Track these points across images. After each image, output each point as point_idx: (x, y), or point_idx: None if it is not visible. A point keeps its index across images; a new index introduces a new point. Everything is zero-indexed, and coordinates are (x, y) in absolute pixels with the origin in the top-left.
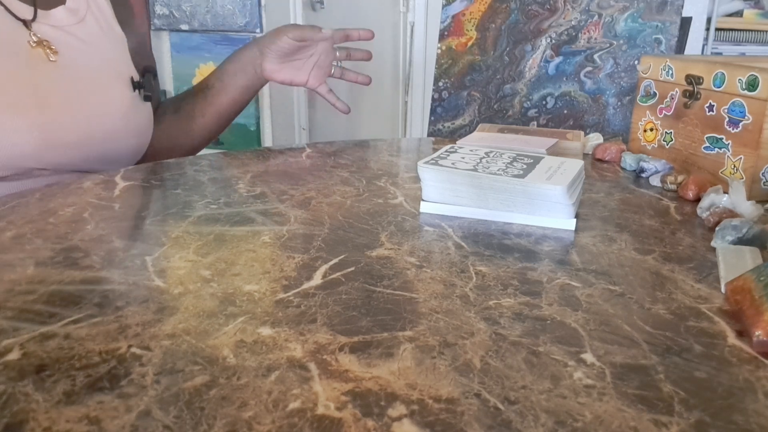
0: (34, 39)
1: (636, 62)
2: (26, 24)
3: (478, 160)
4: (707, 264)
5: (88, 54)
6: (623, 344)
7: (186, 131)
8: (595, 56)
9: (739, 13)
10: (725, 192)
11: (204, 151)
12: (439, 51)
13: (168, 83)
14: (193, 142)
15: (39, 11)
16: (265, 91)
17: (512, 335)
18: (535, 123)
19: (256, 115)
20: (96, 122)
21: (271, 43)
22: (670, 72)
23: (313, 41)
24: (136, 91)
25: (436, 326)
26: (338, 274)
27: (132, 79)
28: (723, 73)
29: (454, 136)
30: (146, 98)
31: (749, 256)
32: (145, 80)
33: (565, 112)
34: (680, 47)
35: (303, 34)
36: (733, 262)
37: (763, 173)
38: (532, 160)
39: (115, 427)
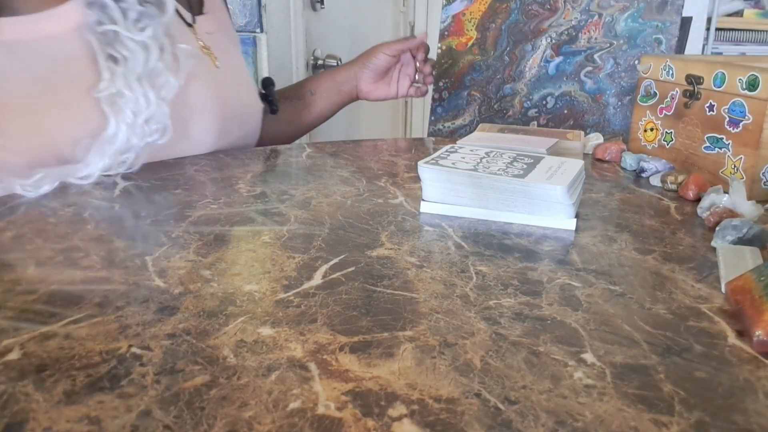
0: (201, 44)
1: (636, 62)
2: (193, 28)
3: (479, 160)
4: (707, 264)
5: (229, 63)
6: (623, 344)
7: (267, 132)
8: (596, 56)
9: (739, 13)
10: (725, 192)
11: None
12: (439, 51)
13: None
14: (267, 143)
15: (196, 17)
16: None
17: (512, 335)
18: (536, 123)
19: None
20: (241, 129)
21: (368, 61)
22: (671, 72)
23: (408, 50)
24: (264, 104)
25: (436, 326)
26: (338, 274)
27: (260, 92)
28: (723, 73)
29: (454, 136)
30: (273, 112)
31: (749, 256)
32: (269, 92)
33: (566, 111)
34: (680, 47)
35: (399, 47)
36: (734, 262)
37: (763, 173)
38: (532, 160)
39: (115, 427)
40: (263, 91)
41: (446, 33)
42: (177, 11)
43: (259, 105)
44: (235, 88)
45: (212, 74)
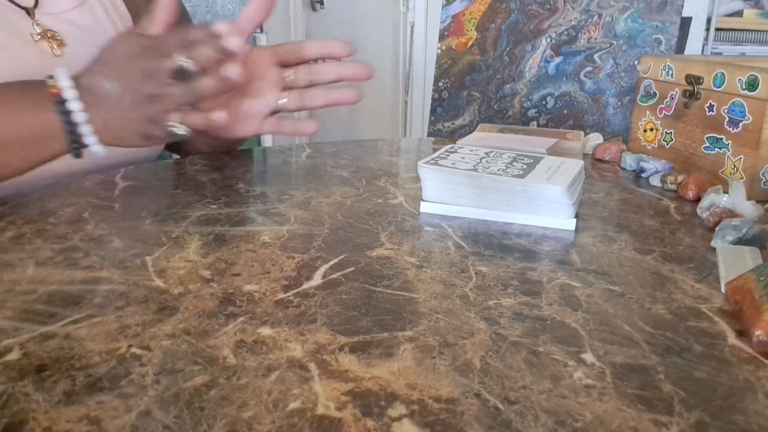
0: (38, 30)
1: (636, 62)
2: (29, 12)
3: (478, 160)
4: (707, 264)
5: (92, 44)
6: (623, 344)
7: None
8: (595, 56)
9: (739, 13)
10: (725, 192)
11: None
12: (439, 51)
13: None
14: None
15: None
16: None
17: (512, 335)
18: (535, 123)
19: None
20: None
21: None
22: (670, 72)
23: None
24: None
25: (436, 326)
26: (338, 274)
27: None
28: (723, 73)
29: (454, 136)
30: None
31: (749, 256)
32: None
33: (565, 112)
34: (680, 47)
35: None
36: (733, 262)
37: (763, 173)
38: (532, 160)
39: (115, 427)
40: None
41: (446, 33)
42: None
43: None
44: None
45: (42, 67)
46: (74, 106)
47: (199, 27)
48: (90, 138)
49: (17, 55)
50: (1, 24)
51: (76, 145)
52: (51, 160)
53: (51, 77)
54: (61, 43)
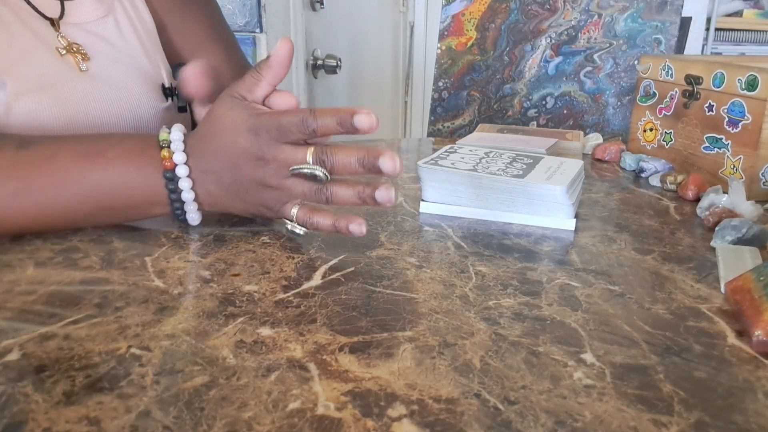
0: (63, 44)
1: (636, 62)
2: (53, 23)
3: (478, 160)
4: (707, 264)
5: (117, 58)
6: (623, 344)
7: None
8: (595, 56)
9: (738, 13)
10: (725, 192)
11: None
12: (439, 51)
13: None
14: None
15: (65, 4)
16: None
17: (512, 335)
18: (535, 123)
19: None
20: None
21: None
22: (670, 72)
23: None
24: (170, 99)
25: (435, 326)
26: (338, 274)
27: (163, 85)
28: (723, 73)
29: (454, 136)
30: (181, 109)
31: (749, 256)
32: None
33: (565, 111)
34: (680, 47)
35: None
36: (733, 262)
37: (762, 173)
38: (531, 160)
39: (114, 427)
40: (167, 85)
41: (446, 33)
42: (29, 2)
43: (153, 105)
44: (110, 89)
45: (71, 82)
46: (184, 185)
47: (329, 112)
48: (193, 214)
49: (44, 71)
50: (27, 37)
51: (180, 213)
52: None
53: (164, 138)
54: (85, 57)
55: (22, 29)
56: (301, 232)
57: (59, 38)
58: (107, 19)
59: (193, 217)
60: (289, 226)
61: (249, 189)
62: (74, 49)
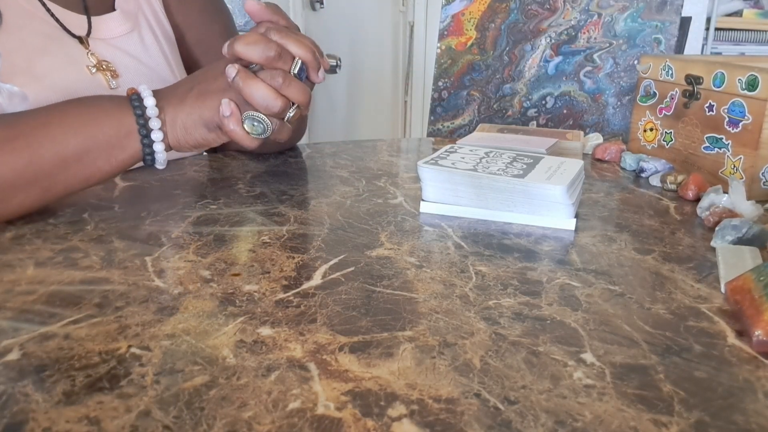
0: (93, 62)
1: (636, 62)
2: (82, 41)
3: (478, 160)
4: (707, 264)
5: (144, 72)
6: (623, 344)
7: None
8: (595, 56)
9: (738, 13)
10: (725, 192)
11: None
12: (439, 50)
13: None
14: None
15: (92, 19)
16: None
17: (512, 335)
18: (535, 123)
19: None
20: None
21: None
22: (670, 72)
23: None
24: None
25: (435, 326)
26: (338, 274)
27: None
28: (723, 73)
29: (453, 136)
30: None
31: (749, 256)
32: None
33: (565, 111)
34: (680, 47)
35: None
36: (733, 261)
37: (762, 173)
38: (531, 160)
39: (114, 427)
40: None
41: (446, 33)
42: (57, 20)
43: None
44: None
45: None
46: (149, 101)
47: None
48: (158, 133)
49: (76, 90)
50: (57, 57)
51: (148, 141)
52: (132, 165)
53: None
54: (114, 74)
55: (51, 45)
56: (266, 122)
57: (89, 56)
58: (132, 34)
59: (158, 136)
60: (252, 119)
61: (206, 94)
62: (104, 66)
